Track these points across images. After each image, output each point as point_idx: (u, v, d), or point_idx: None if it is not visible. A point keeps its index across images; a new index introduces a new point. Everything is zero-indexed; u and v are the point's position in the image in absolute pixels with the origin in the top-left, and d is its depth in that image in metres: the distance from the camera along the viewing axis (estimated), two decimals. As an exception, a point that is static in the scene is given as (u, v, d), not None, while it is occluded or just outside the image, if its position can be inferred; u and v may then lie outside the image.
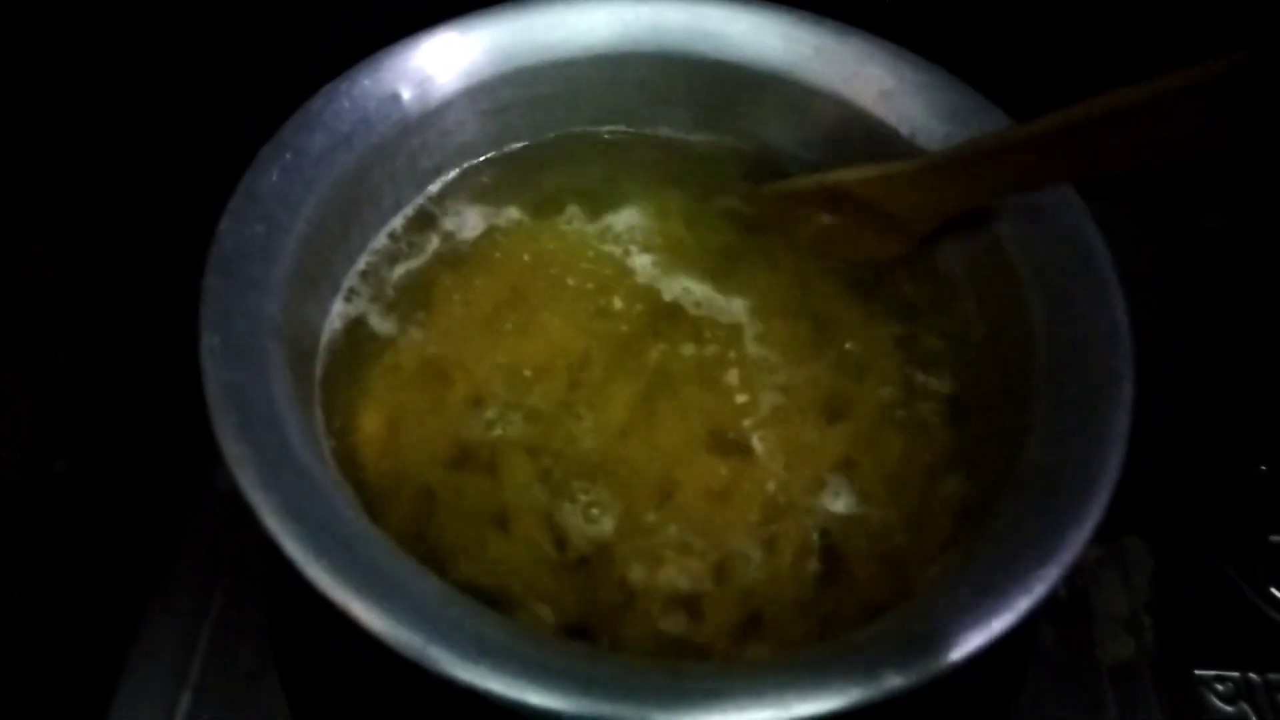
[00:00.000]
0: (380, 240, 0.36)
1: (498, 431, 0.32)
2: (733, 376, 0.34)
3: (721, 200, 0.39)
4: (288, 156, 0.32)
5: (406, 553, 0.27)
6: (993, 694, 0.35)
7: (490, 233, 0.37)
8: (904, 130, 0.36)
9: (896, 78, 0.36)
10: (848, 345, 0.35)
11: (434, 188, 0.38)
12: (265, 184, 0.31)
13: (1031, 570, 0.26)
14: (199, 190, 0.33)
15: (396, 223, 0.37)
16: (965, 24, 0.43)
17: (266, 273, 0.30)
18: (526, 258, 0.37)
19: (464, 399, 0.33)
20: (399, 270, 0.36)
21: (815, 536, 0.31)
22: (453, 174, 0.38)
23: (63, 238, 0.39)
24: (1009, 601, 0.25)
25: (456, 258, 0.36)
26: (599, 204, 0.38)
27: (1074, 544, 0.26)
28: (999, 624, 0.25)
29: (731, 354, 0.35)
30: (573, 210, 0.38)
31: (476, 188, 0.38)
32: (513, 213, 0.38)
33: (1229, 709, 0.35)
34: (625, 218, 0.38)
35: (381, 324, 0.35)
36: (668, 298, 0.36)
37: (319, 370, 0.33)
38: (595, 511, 0.31)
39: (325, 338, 0.34)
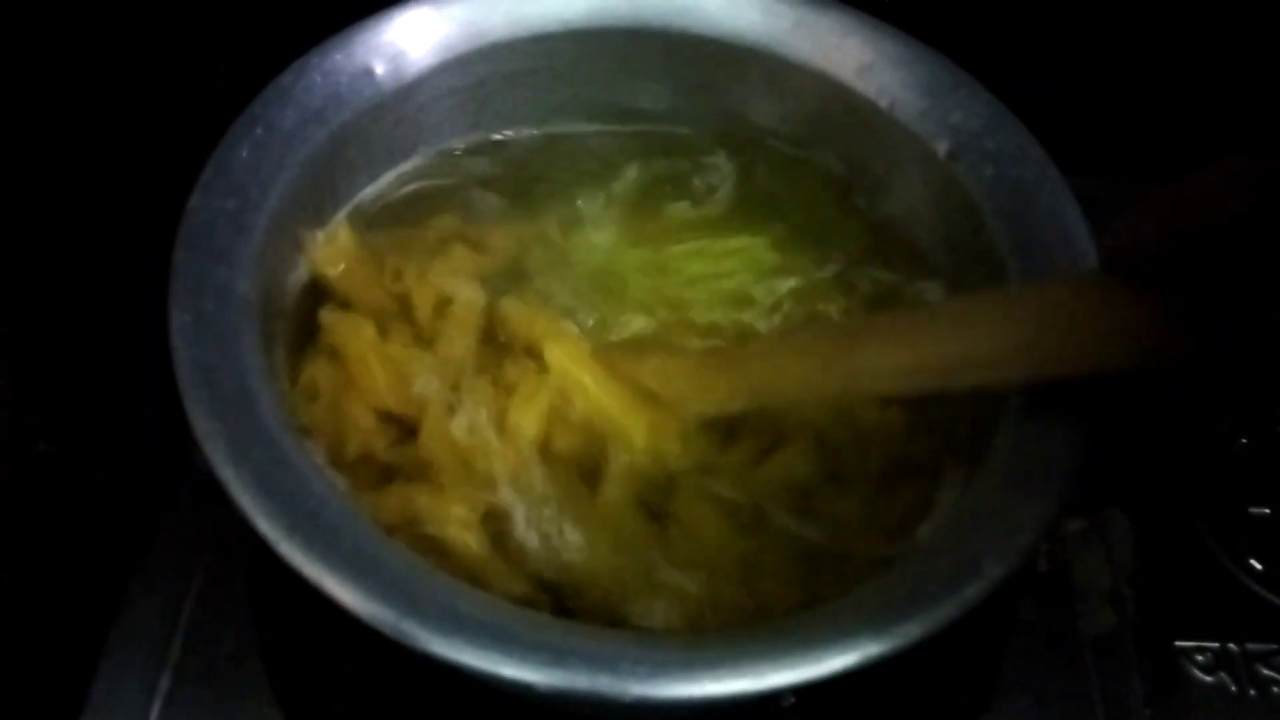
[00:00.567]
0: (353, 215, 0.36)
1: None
2: None
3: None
4: (258, 131, 0.31)
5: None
6: (976, 667, 0.35)
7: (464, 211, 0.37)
8: (883, 104, 0.36)
9: (876, 51, 0.36)
10: None
11: (407, 165, 0.37)
12: (236, 159, 0.31)
13: (1006, 538, 0.26)
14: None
15: (369, 199, 0.36)
16: (960, 10, 0.43)
17: (238, 248, 0.29)
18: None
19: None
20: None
21: None
22: (427, 151, 0.38)
23: (56, 230, 0.39)
24: (983, 570, 0.25)
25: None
26: (570, 190, 0.38)
27: (1045, 514, 0.26)
28: (973, 591, 0.25)
29: None
30: (545, 195, 0.37)
31: (449, 166, 0.38)
32: (491, 199, 0.37)
33: (1208, 679, 0.35)
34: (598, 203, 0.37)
35: None
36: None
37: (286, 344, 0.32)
38: None
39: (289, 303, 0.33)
